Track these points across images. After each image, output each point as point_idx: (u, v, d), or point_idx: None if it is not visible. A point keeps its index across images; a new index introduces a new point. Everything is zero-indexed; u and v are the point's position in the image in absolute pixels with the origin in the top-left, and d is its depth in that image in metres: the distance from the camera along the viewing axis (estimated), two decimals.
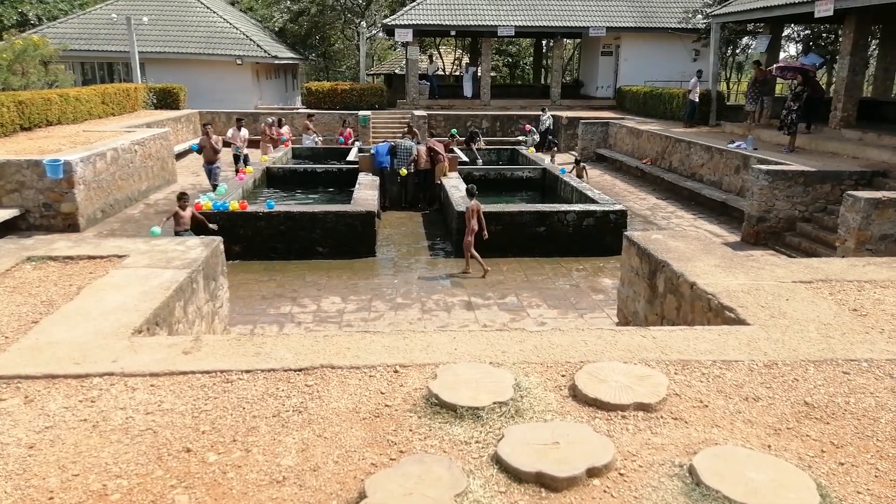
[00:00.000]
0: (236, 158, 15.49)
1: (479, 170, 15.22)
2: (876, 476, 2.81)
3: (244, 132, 15.62)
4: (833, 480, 2.77)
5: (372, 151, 14.13)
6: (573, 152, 22.07)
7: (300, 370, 3.67)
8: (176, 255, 5.71)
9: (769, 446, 3.00)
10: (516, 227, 10.53)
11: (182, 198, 9.21)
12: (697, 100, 19.19)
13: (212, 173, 14.01)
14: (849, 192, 9.54)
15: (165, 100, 23.74)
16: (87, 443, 3.00)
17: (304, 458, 2.89)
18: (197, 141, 14.90)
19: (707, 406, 3.35)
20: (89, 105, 18.24)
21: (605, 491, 2.67)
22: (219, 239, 6.43)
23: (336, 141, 19.39)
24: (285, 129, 18.22)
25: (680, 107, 20.62)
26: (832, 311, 4.59)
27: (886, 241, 9.02)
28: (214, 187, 12.85)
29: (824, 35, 27.16)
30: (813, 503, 2.55)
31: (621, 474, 2.77)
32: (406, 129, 15.83)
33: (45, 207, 11.42)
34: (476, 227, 9.56)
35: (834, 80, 19.44)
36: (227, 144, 15.60)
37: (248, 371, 3.65)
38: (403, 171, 13.50)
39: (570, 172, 14.82)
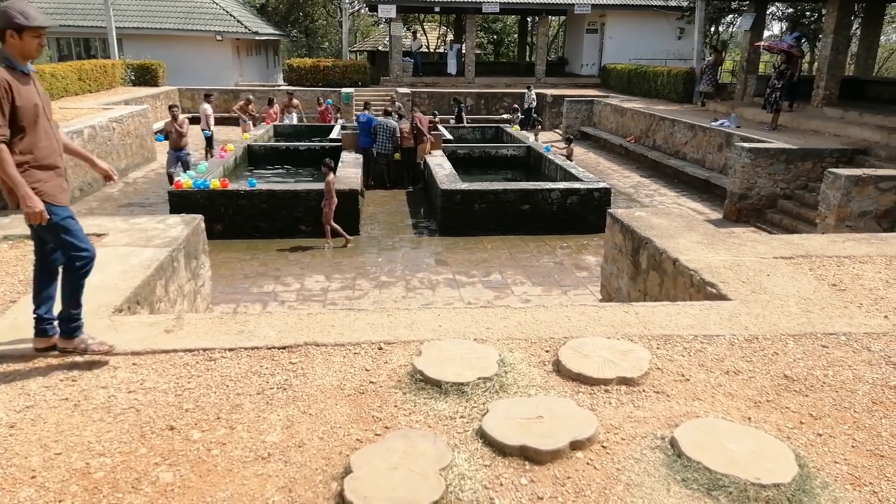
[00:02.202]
0: (209, 141, 15.12)
1: (464, 148, 15.15)
2: (853, 446, 2.87)
3: (208, 107, 15.23)
4: (811, 451, 2.82)
5: (356, 124, 14.01)
6: (557, 130, 22.06)
7: (284, 348, 3.66)
8: (156, 234, 5.64)
9: (749, 418, 3.05)
10: (501, 206, 10.52)
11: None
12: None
13: (180, 161, 12.57)
14: (830, 169, 9.63)
15: (144, 76, 23.31)
16: (69, 422, 2.97)
17: (289, 434, 2.89)
18: (161, 125, 13.22)
19: (689, 380, 3.39)
20: (65, 82, 17.87)
21: (588, 463, 2.70)
22: (200, 217, 6.36)
23: (321, 118, 19.14)
24: (274, 109, 17.97)
25: (664, 85, 20.61)
26: (812, 286, 4.65)
27: (866, 217, 9.14)
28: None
29: (808, 14, 27.22)
30: (791, 473, 2.60)
31: (604, 447, 2.80)
32: (388, 106, 15.61)
33: None
34: (335, 201, 9.69)
35: (816, 58, 19.53)
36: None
37: (231, 349, 3.63)
38: (397, 156, 13.52)
39: (563, 151, 14.84)
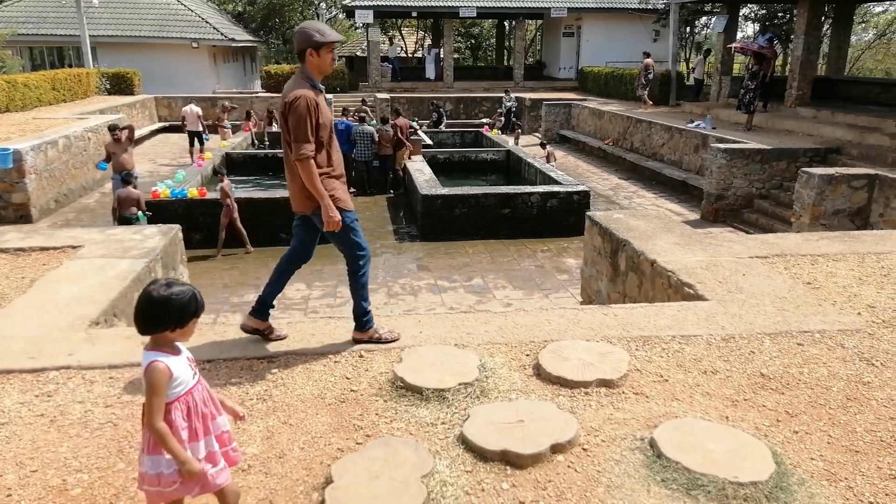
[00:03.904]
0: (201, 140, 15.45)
1: (444, 152, 15.19)
2: (828, 443, 2.91)
3: (198, 109, 15.84)
4: (788, 448, 2.86)
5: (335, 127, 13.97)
6: (537, 134, 22.17)
7: (263, 358, 3.64)
8: (133, 245, 5.58)
9: (727, 417, 3.08)
10: (481, 210, 10.55)
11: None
12: (703, 78, 20.09)
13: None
14: (803, 168, 9.79)
15: (119, 85, 23.08)
16: (45, 438, 2.93)
17: (270, 445, 2.88)
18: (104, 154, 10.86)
19: (667, 380, 3.42)
20: (39, 91, 17.63)
21: (569, 466, 2.71)
22: (177, 227, 6.31)
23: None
24: (253, 120, 17.88)
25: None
26: (787, 284, 4.72)
27: (839, 215, 9.30)
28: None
29: (780, 15, 27.65)
30: (769, 470, 2.63)
31: (585, 449, 2.82)
32: (360, 112, 15.55)
33: None
34: (235, 206, 9.56)
35: (789, 59, 19.89)
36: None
37: (210, 360, 3.60)
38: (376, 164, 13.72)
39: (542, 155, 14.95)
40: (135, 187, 8.96)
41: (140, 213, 8.79)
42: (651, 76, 18.89)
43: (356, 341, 3.80)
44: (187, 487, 2.18)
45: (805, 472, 2.70)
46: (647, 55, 19.06)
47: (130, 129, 10.90)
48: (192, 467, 2.12)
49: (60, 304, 4.31)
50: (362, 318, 3.78)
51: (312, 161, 3.46)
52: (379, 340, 3.79)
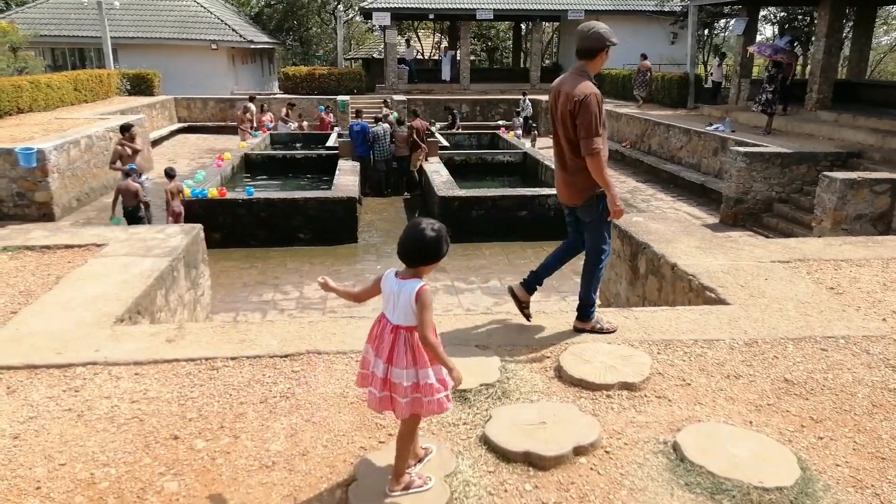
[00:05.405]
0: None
1: (461, 154, 15.19)
2: (854, 449, 2.88)
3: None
4: (812, 454, 2.84)
5: (351, 129, 13.96)
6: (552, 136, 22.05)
7: (286, 356, 3.67)
8: (156, 244, 5.65)
9: (751, 422, 3.06)
10: (498, 211, 10.55)
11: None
12: (722, 81, 20.79)
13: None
14: (825, 172, 9.68)
15: (139, 86, 23.32)
16: (73, 432, 2.97)
17: (293, 442, 2.90)
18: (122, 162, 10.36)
19: (690, 384, 3.41)
20: (61, 92, 17.86)
21: (591, 468, 2.71)
22: (199, 226, 6.37)
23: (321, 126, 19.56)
24: (268, 116, 18.13)
25: (658, 90, 20.71)
26: (810, 289, 4.67)
27: (861, 220, 9.19)
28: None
29: (800, 17, 27.38)
30: (793, 476, 2.61)
31: (607, 452, 2.82)
32: (378, 113, 15.59)
33: (18, 197, 11.19)
34: (179, 210, 9.39)
35: (809, 61, 19.71)
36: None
37: (233, 358, 3.64)
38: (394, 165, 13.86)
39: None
40: (133, 181, 9.24)
41: (116, 216, 9.16)
42: (648, 78, 19.72)
43: (577, 330, 3.93)
44: (447, 399, 2.41)
45: (830, 478, 2.68)
46: (645, 57, 19.86)
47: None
48: (459, 374, 2.42)
49: (86, 301, 4.37)
50: (588, 307, 3.89)
51: (601, 155, 3.58)
52: (601, 331, 3.89)
